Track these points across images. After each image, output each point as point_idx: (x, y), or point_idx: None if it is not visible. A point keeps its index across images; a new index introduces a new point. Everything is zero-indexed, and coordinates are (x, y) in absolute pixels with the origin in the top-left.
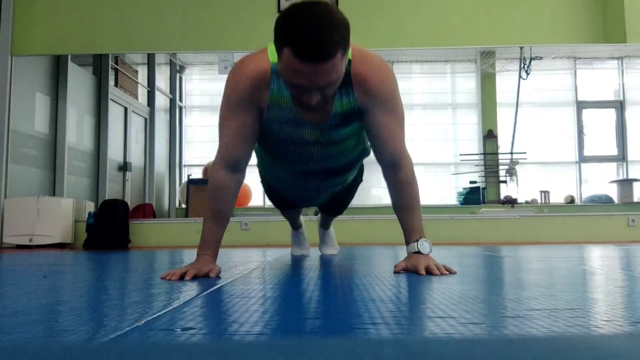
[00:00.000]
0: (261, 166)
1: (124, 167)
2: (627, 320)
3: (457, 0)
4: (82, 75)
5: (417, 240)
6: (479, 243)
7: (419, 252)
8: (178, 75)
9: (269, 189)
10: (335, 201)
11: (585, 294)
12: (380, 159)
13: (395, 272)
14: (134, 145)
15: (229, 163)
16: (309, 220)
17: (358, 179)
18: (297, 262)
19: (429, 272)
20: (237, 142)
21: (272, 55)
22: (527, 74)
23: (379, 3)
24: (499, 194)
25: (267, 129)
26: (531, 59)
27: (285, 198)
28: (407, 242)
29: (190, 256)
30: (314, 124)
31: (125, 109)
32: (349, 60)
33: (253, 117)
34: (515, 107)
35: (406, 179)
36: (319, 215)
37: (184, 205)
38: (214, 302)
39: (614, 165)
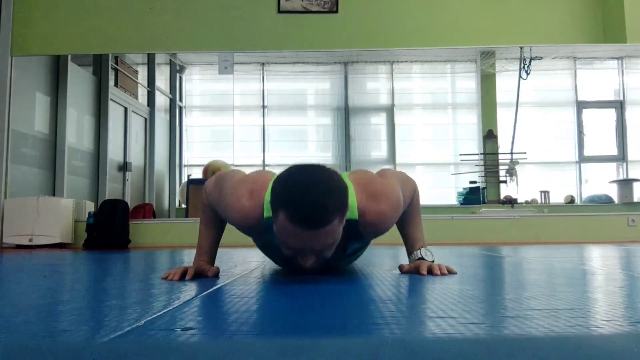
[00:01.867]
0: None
1: (124, 167)
2: (627, 320)
3: (457, 0)
4: (82, 75)
5: (420, 249)
6: (479, 243)
7: (422, 259)
8: (178, 75)
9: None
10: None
11: (585, 294)
12: None
13: (401, 273)
14: (134, 145)
15: None
16: None
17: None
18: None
19: (430, 272)
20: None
21: (267, 209)
22: (527, 74)
23: (379, 3)
24: (499, 194)
25: (261, 247)
26: (531, 59)
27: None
28: (410, 251)
29: (190, 256)
30: None
31: (125, 109)
32: (356, 221)
33: None
34: (515, 107)
35: (412, 201)
36: None
37: (184, 205)
38: (214, 302)
39: (614, 165)
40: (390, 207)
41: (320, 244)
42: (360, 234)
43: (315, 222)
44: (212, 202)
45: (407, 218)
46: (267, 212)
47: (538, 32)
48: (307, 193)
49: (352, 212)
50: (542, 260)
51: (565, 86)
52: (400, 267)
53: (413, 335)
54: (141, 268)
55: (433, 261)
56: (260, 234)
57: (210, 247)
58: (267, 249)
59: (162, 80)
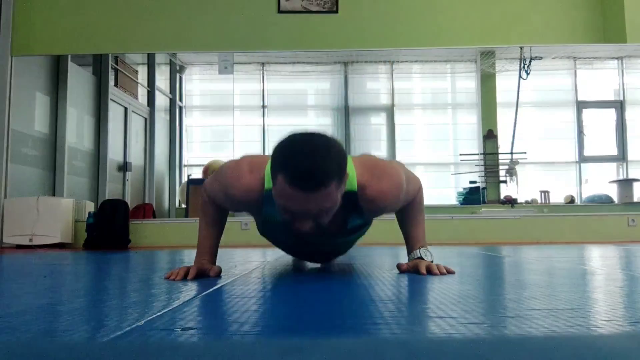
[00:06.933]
0: (258, 228)
1: (124, 167)
2: (627, 320)
3: (457, 0)
4: (82, 75)
5: (420, 249)
6: (479, 243)
7: (421, 259)
8: (178, 75)
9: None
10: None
11: (585, 294)
12: None
13: (400, 272)
14: (134, 145)
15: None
16: None
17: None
18: (297, 263)
19: (429, 271)
20: (222, 203)
21: (267, 180)
22: (527, 74)
23: (379, 3)
24: (499, 194)
25: (262, 225)
26: (531, 59)
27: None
28: (410, 251)
29: (190, 256)
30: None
31: (125, 109)
32: (355, 193)
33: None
34: (515, 107)
35: (415, 198)
36: None
37: (184, 205)
38: (214, 302)
39: (614, 165)
40: (392, 186)
41: (317, 207)
42: (361, 209)
43: (311, 184)
44: (213, 192)
45: (410, 216)
46: (268, 184)
47: (538, 32)
48: (305, 156)
49: (352, 184)
50: (542, 260)
51: (565, 86)
52: (399, 266)
53: (413, 335)
54: (141, 268)
55: (432, 261)
56: (261, 208)
57: (211, 246)
58: (268, 227)
59: (162, 80)
